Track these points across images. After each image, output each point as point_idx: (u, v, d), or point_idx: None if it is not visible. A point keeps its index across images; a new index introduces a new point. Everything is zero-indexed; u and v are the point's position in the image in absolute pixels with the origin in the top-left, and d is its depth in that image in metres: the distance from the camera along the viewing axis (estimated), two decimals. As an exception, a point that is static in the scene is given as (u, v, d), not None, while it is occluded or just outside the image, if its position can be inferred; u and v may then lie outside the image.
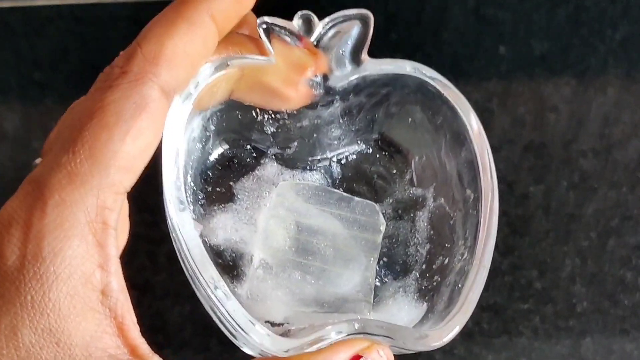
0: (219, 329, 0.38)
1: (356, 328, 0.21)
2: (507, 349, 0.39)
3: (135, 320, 0.20)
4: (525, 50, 0.47)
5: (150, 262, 0.41)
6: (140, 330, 0.21)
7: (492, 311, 0.40)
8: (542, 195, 0.43)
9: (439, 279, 0.25)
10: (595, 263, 0.41)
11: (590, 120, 0.45)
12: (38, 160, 0.21)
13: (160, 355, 0.22)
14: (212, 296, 0.21)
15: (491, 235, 0.25)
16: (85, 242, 0.19)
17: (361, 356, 0.21)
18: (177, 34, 0.21)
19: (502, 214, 0.42)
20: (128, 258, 0.42)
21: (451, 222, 0.26)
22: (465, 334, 0.39)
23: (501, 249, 0.41)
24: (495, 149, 0.44)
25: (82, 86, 0.46)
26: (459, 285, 0.23)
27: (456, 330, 0.22)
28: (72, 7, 0.48)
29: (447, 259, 0.25)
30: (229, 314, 0.21)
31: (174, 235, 0.22)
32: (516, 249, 0.41)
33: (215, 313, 0.22)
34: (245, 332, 0.21)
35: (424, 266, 0.26)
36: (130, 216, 0.43)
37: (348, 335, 0.21)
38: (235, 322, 0.21)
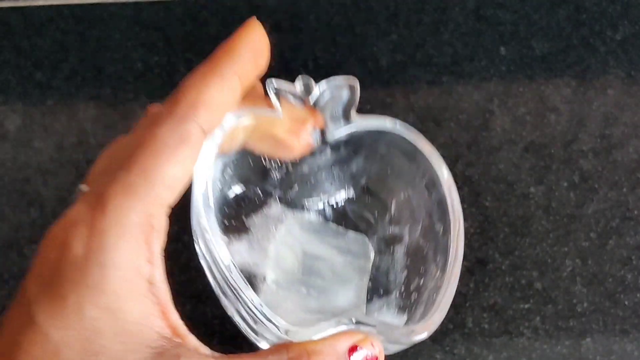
0: (220, 329, 0.39)
1: (354, 321, 0.25)
2: (508, 349, 0.39)
3: (173, 306, 0.24)
4: (526, 51, 0.47)
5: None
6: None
7: (493, 311, 0.40)
8: (542, 195, 0.43)
9: (416, 295, 0.30)
10: (596, 263, 0.41)
11: (591, 120, 0.45)
12: (84, 187, 0.25)
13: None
14: (246, 299, 0.25)
15: (459, 257, 0.29)
16: (137, 240, 0.23)
17: (357, 346, 0.24)
18: (212, 85, 0.25)
19: (503, 214, 0.42)
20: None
21: (424, 252, 0.31)
22: (466, 334, 0.39)
23: (502, 249, 0.41)
24: (495, 149, 0.44)
25: (83, 86, 0.46)
26: (434, 296, 0.28)
27: (435, 325, 0.27)
28: (72, 7, 0.48)
29: (422, 280, 0.30)
30: (263, 314, 0.25)
31: (208, 255, 0.26)
32: (517, 249, 0.41)
33: (242, 316, 0.26)
34: (275, 324, 0.25)
35: (402, 288, 0.31)
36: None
37: (348, 326, 0.25)
38: (266, 317, 0.25)
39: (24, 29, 0.48)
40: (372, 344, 0.25)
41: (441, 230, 0.30)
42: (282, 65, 0.46)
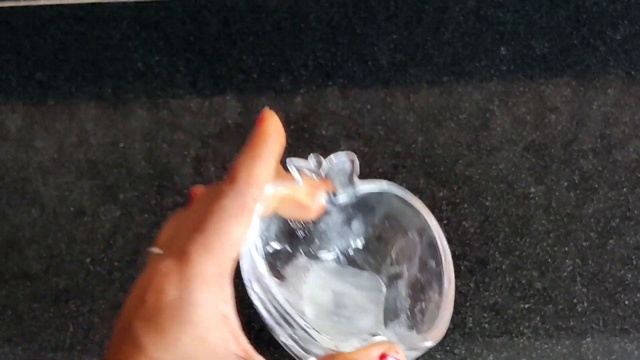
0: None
1: (380, 334, 0.34)
2: (508, 349, 0.39)
3: (243, 333, 0.30)
4: (526, 51, 0.47)
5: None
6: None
7: (493, 311, 0.40)
8: (542, 195, 0.43)
9: (421, 316, 0.37)
10: (596, 263, 0.41)
11: (591, 120, 0.45)
12: (156, 249, 0.32)
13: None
14: (302, 325, 0.32)
15: (452, 283, 0.36)
16: (214, 285, 0.30)
17: (386, 354, 0.31)
18: (258, 166, 0.33)
19: (503, 214, 0.42)
20: (130, 258, 0.42)
21: (422, 283, 0.38)
22: (467, 333, 0.39)
23: (502, 249, 0.42)
24: (495, 149, 0.44)
25: (84, 86, 0.47)
26: (436, 313, 0.35)
27: (442, 333, 0.35)
28: (72, 7, 0.48)
29: (423, 304, 0.37)
30: (316, 334, 0.33)
31: (264, 295, 0.33)
32: (517, 249, 0.41)
33: (295, 339, 0.33)
34: (325, 341, 0.33)
35: (408, 312, 0.38)
36: (132, 217, 0.43)
37: (376, 337, 0.33)
38: (318, 336, 0.33)
39: (24, 29, 0.48)
40: (396, 351, 0.31)
41: (434, 264, 0.37)
42: (282, 65, 0.46)
